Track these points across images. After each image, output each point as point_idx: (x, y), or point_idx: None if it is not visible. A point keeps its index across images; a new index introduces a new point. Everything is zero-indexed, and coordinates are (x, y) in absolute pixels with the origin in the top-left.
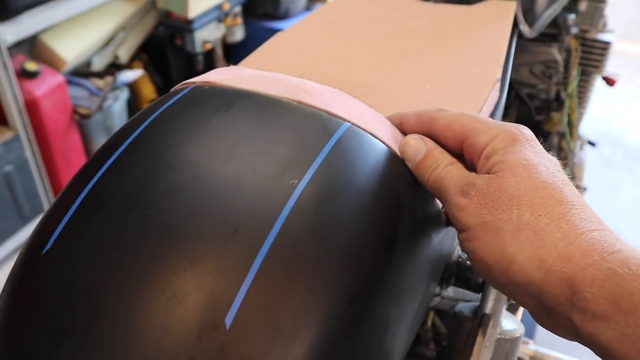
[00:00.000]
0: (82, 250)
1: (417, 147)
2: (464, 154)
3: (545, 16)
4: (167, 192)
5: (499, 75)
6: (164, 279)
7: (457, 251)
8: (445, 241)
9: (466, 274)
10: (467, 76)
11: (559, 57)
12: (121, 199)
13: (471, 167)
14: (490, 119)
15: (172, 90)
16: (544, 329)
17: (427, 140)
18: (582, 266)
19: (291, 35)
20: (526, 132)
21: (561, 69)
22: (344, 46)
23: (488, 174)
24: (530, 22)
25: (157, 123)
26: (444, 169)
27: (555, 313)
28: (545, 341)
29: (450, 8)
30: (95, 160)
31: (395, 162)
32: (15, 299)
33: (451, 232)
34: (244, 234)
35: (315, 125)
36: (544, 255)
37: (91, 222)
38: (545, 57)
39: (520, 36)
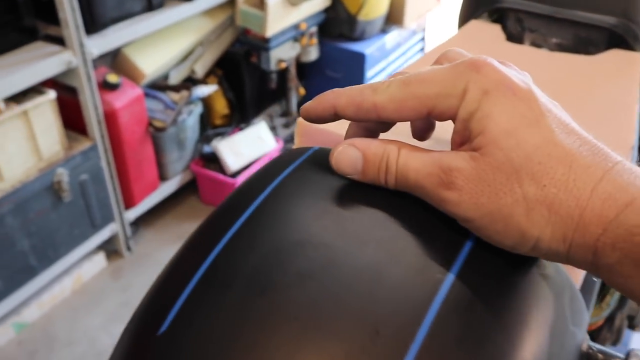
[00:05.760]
0: (205, 335)
1: (350, 156)
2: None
3: None
4: (298, 278)
5: (634, 140)
6: None
7: (587, 340)
8: (582, 332)
9: None
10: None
11: None
12: (246, 281)
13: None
14: (439, 67)
15: (292, 150)
16: None
17: (356, 140)
18: (601, 232)
19: None
20: (491, 69)
21: None
22: None
23: (470, 147)
24: None
25: (282, 191)
26: (398, 164)
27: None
28: None
29: (568, 58)
30: (214, 229)
31: None
32: None
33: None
34: (386, 337)
35: None
36: (564, 229)
37: (213, 304)
38: None
39: None
